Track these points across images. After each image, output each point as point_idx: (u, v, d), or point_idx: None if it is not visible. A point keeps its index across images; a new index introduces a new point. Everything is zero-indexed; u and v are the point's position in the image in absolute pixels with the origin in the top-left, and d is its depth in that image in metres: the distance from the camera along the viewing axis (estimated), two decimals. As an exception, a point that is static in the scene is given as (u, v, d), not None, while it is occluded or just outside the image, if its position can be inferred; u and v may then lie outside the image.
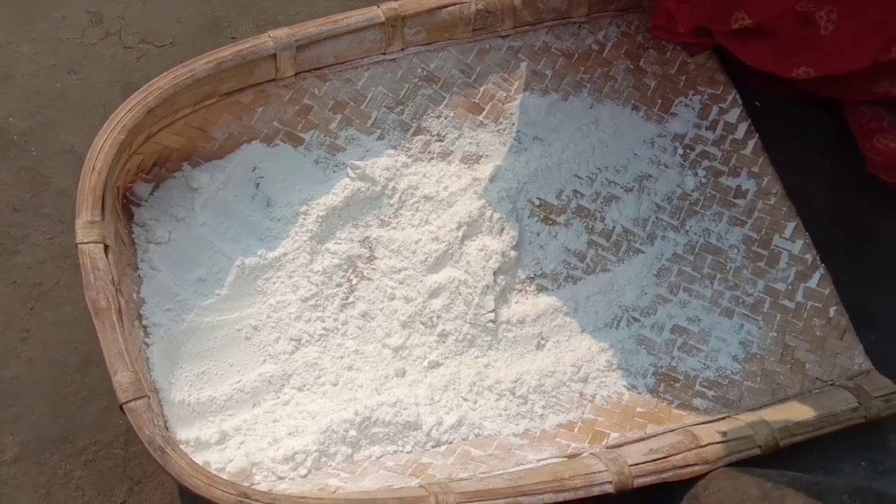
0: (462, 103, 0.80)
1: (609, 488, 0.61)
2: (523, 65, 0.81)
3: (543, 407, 0.70)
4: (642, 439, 0.67)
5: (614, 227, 0.78)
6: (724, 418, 0.69)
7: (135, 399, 0.55)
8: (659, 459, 0.63)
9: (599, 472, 0.62)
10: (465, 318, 0.72)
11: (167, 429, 0.61)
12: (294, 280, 0.72)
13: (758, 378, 0.73)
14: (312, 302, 0.72)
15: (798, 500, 0.60)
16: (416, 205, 0.76)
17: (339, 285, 0.73)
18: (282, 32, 0.72)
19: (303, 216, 0.74)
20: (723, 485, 0.62)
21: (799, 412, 0.69)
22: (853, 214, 0.82)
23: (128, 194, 0.71)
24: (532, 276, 0.76)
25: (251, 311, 0.71)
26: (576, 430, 0.69)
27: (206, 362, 0.69)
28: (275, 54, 0.72)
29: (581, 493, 0.61)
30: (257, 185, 0.75)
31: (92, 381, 0.71)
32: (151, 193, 0.72)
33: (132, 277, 0.67)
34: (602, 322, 0.75)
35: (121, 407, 0.56)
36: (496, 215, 0.75)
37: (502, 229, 0.75)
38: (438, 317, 0.72)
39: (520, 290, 0.75)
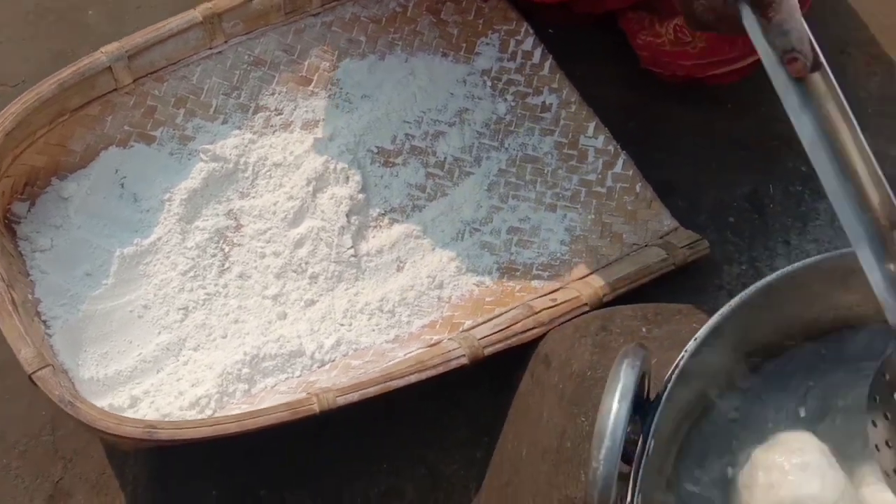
0: (291, 79, 0.91)
1: (464, 360, 0.74)
2: (338, 36, 0.93)
3: (409, 315, 0.82)
4: (490, 320, 0.80)
5: (445, 158, 0.91)
6: (556, 290, 0.82)
7: (40, 368, 0.65)
8: (502, 330, 0.76)
9: (454, 349, 0.74)
10: (329, 258, 0.84)
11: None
12: (172, 259, 0.82)
13: (583, 254, 0.86)
14: (192, 274, 0.82)
15: (633, 321, 0.73)
16: (268, 173, 0.87)
17: (213, 255, 0.83)
18: (112, 47, 0.82)
19: (168, 203, 0.84)
20: (563, 328, 0.75)
21: (619, 271, 0.83)
22: (642, 107, 0.96)
23: (8, 215, 0.80)
24: (382, 212, 0.88)
25: (139, 293, 0.81)
26: (437, 326, 0.81)
27: (107, 343, 0.78)
28: (110, 67, 0.82)
29: (441, 369, 0.73)
30: (122, 184, 0.85)
31: (13, 384, 0.80)
32: (29, 210, 0.82)
33: (24, 283, 0.76)
34: (448, 237, 0.87)
35: (30, 378, 0.65)
36: (340, 166, 0.87)
37: (347, 178, 0.87)
38: (307, 262, 0.83)
39: (374, 226, 0.87)
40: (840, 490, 0.52)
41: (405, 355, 0.77)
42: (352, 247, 0.84)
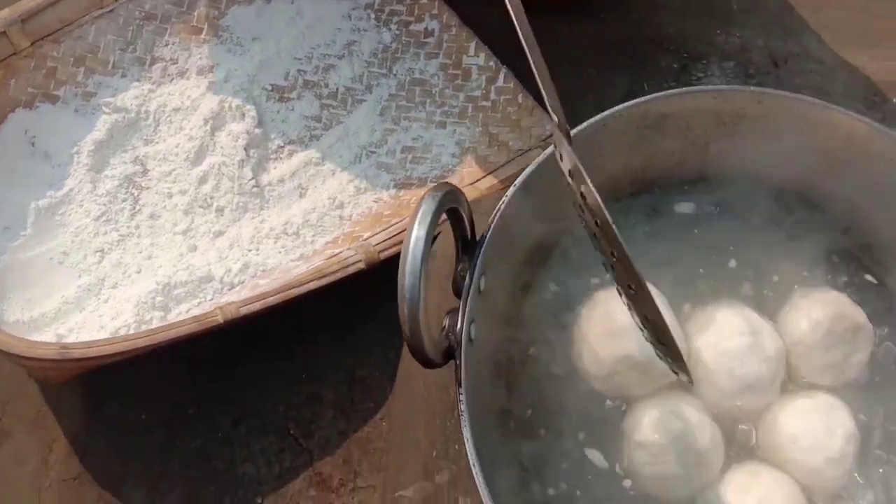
0: (183, 29, 0.96)
1: (361, 265, 0.80)
2: (224, -16, 0.98)
3: (312, 235, 0.88)
4: (386, 229, 0.86)
5: (338, 89, 0.97)
6: (446, 195, 0.89)
7: (-42, 307, 0.70)
8: (396, 235, 0.82)
9: (351, 256, 0.81)
10: (232, 191, 0.89)
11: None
12: (85, 207, 0.88)
13: (473, 163, 0.92)
14: (104, 219, 0.88)
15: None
16: (168, 119, 0.93)
17: (124, 200, 0.89)
18: (4, 13, 0.87)
19: (77, 156, 0.89)
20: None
21: (504, 173, 0.89)
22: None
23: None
24: (281, 144, 0.93)
25: (57, 241, 0.86)
26: (339, 241, 0.87)
27: (31, 290, 0.84)
28: (5, 31, 0.87)
29: (339, 275, 0.79)
30: (32, 143, 0.90)
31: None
32: (-53, 178, 0.87)
33: (-56, 243, 0.82)
34: (346, 162, 0.93)
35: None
36: (235, 104, 0.93)
37: (243, 115, 0.93)
38: (212, 197, 0.89)
39: (274, 158, 0.93)
40: (671, 322, 0.58)
41: (308, 268, 0.83)
42: (253, 178, 0.90)
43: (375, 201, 0.90)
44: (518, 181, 0.55)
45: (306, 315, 0.83)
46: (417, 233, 0.49)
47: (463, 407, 0.50)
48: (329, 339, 0.87)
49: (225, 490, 0.81)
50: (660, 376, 0.60)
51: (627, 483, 0.60)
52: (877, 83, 1.09)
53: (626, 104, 0.60)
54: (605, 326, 0.61)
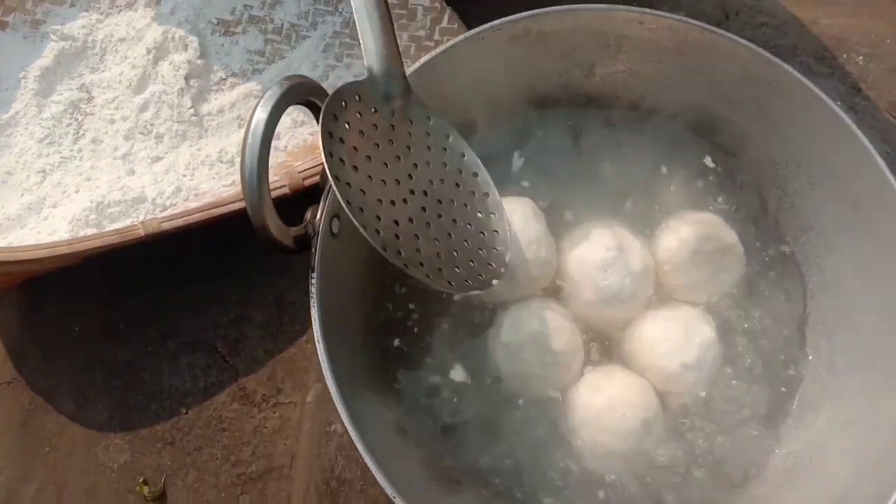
0: (133, -38, 1.00)
1: (286, 190, 0.84)
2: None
3: (246, 163, 0.92)
4: (315, 158, 0.89)
5: (283, 24, 1.00)
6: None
7: None
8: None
9: (276, 181, 0.84)
10: (172, 118, 0.93)
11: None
12: (30, 129, 0.92)
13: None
14: (48, 141, 0.92)
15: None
16: (114, 48, 0.97)
17: (69, 124, 0.93)
18: (-47, -60, 0.91)
19: (24, 80, 0.94)
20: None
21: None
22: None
23: None
24: (223, 77, 0.97)
25: (1, 161, 0.91)
26: (272, 171, 0.91)
27: (-26, 206, 0.89)
28: (-46, -42, 0.91)
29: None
30: (-20, 68, 0.94)
31: None
32: None
33: None
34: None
35: None
36: (178, 35, 0.96)
37: (186, 46, 0.96)
38: (152, 124, 0.93)
39: (215, 90, 0.96)
40: (538, 233, 0.62)
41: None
42: (192, 107, 0.94)
43: (311, 134, 0.94)
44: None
45: (239, 240, 0.87)
46: (259, 115, 0.53)
47: (314, 290, 0.53)
48: (261, 264, 0.91)
49: (152, 400, 0.86)
50: (525, 284, 0.63)
51: (488, 381, 0.64)
52: (828, 39, 1.11)
53: (504, 19, 0.63)
54: None
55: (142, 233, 0.78)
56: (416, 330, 0.67)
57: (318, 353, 0.53)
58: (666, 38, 0.64)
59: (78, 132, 0.93)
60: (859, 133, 0.59)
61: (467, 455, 0.62)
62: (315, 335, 0.53)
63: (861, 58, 1.07)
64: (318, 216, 0.56)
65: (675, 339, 0.62)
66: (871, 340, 0.60)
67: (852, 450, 0.56)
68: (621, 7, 0.63)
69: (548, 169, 0.68)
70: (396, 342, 0.66)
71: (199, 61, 0.96)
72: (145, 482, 0.82)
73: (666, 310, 0.65)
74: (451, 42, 0.61)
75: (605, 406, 0.61)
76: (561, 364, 0.62)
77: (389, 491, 0.49)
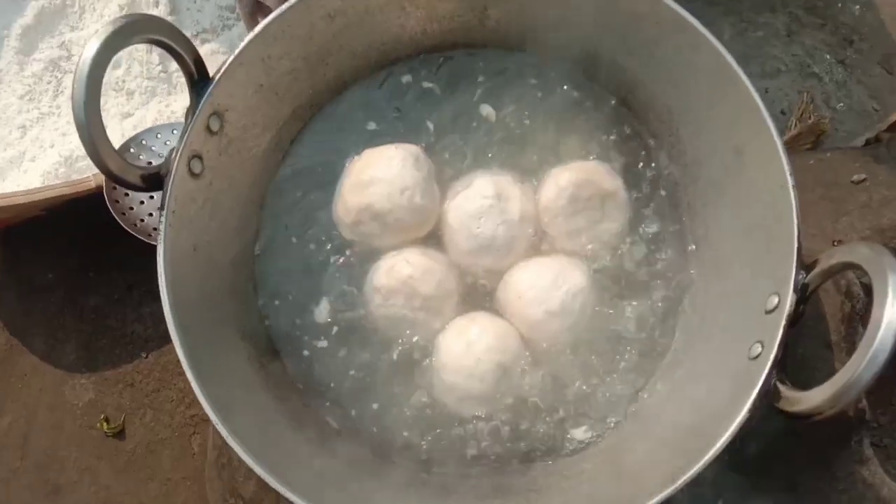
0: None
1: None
2: None
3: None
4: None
5: (254, -19, 1.07)
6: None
7: None
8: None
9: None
10: (142, 75, 1.02)
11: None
12: (12, 87, 1.02)
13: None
14: (28, 97, 1.02)
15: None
16: (92, 6, 1.05)
17: (49, 82, 1.03)
18: None
19: (6, 39, 1.03)
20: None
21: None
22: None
23: None
24: (194, 33, 1.04)
25: (-15, 112, 1.02)
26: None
27: (-42, 158, 1.00)
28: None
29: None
30: (-36, 30, 1.05)
31: None
32: None
33: None
34: (253, 52, 1.03)
35: None
36: (151, -5, 1.04)
37: (157, 3, 1.04)
38: (123, 80, 1.02)
39: (186, 46, 1.04)
40: (414, 180, 0.67)
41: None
42: (160, 64, 1.02)
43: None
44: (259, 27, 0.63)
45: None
46: (86, 53, 0.58)
47: (162, 229, 0.60)
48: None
49: (116, 344, 0.95)
50: (399, 230, 0.69)
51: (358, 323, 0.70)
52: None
53: None
54: (357, 177, 0.70)
55: (93, 184, 0.87)
56: (291, 273, 0.73)
57: (161, 291, 0.60)
58: None
59: (57, 89, 1.03)
60: (742, 74, 0.61)
61: (333, 397, 0.69)
62: (159, 275, 0.61)
63: (858, 6, 1.06)
64: (174, 155, 0.63)
65: (541, 286, 0.66)
66: (739, 295, 0.62)
67: (703, 399, 0.59)
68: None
69: (438, 117, 0.74)
70: (275, 301, 0.73)
71: (169, 17, 1.03)
72: (106, 420, 0.92)
73: (540, 258, 0.69)
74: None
75: (462, 350, 0.66)
76: (431, 309, 0.67)
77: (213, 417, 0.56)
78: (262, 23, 0.64)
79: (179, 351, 0.58)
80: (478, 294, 0.70)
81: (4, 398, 0.94)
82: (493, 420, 0.66)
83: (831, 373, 0.51)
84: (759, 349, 0.57)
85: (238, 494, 0.76)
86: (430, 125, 0.72)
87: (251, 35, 0.64)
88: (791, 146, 0.95)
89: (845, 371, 0.50)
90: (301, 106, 0.73)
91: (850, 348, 0.70)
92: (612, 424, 0.66)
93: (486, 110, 0.74)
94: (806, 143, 0.97)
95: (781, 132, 0.96)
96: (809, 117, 1.00)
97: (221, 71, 0.65)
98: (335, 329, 0.70)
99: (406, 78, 0.75)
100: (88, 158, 0.95)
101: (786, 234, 0.58)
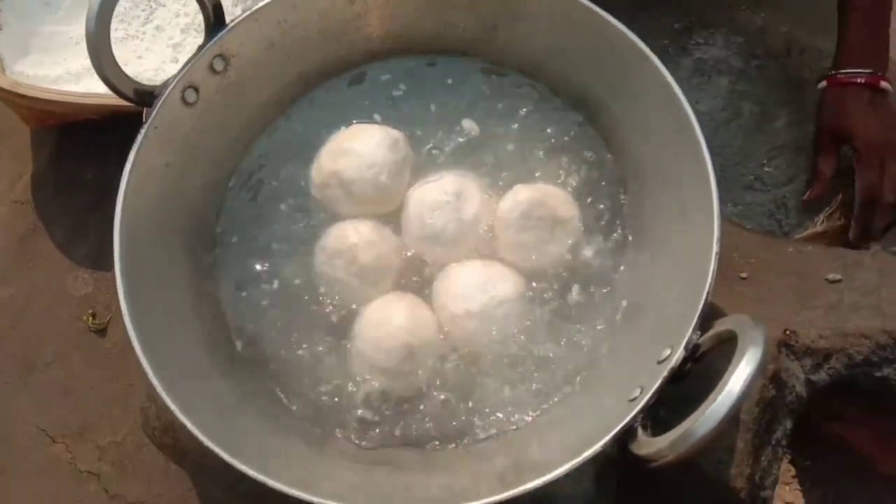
0: None
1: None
2: None
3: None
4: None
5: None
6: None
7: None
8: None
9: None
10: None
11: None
12: (112, 6, 1.14)
13: None
14: (120, 19, 1.13)
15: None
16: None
17: (143, 10, 1.14)
18: None
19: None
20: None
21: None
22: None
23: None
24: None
25: (79, 26, 1.13)
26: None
27: (45, 55, 1.10)
28: None
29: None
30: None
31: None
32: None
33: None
34: None
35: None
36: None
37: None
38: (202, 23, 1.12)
39: None
40: (384, 160, 0.74)
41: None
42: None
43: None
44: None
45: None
46: None
47: (135, 147, 0.69)
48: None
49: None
50: (362, 201, 0.75)
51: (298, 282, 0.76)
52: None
53: None
54: (338, 145, 0.77)
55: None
56: (257, 214, 0.80)
57: (119, 192, 0.68)
58: (559, 12, 0.73)
59: (148, 18, 1.13)
60: (700, 138, 0.65)
61: (253, 333, 0.75)
62: (123, 179, 0.69)
63: None
64: (172, 81, 0.70)
65: (469, 285, 0.71)
66: (646, 342, 0.64)
67: (582, 427, 0.62)
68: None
69: (429, 114, 0.80)
70: (232, 237, 0.79)
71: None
72: (93, 315, 1.01)
73: (482, 261, 0.73)
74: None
75: (378, 321, 0.71)
76: (367, 279, 0.72)
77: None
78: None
79: (117, 251, 0.66)
80: (421, 280, 0.75)
81: (15, 272, 1.05)
82: (393, 396, 0.71)
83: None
84: (637, 393, 0.60)
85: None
86: (422, 119, 0.78)
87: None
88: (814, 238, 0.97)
89: (683, 424, 0.52)
90: (308, 72, 0.80)
91: (754, 430, 0.72)
92: (513, 430, 0.70)
93: (471, 117, 0.80)
94: (825, 240, 0.98)
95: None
96: (840, 218, 1.00)
97: (236, 21, 0.74)
98: (277, 277, 0.76)
99: (412, 71, 0.82)
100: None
101: (698, 294, 0.61)
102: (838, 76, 0.95)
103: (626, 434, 0.58)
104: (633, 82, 0.69)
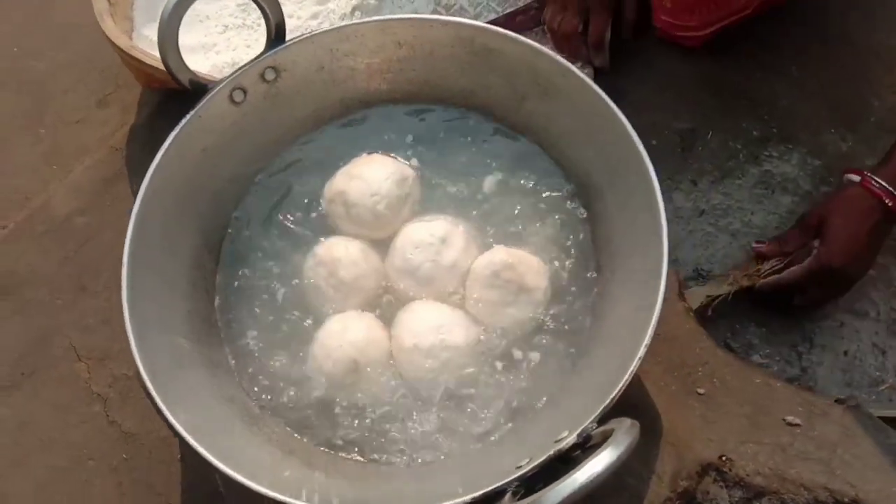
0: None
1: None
2: None
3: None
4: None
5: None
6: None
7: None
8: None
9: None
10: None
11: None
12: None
13: None
14: (242, 9, 1.24)
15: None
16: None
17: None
18: None
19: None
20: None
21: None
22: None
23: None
24: None
25: (207, 7, 1.26)
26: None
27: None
28: None
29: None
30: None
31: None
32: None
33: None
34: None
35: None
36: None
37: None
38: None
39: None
40: (388, 192, 0.82)
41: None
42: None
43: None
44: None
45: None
46: None
47: (182, 123, 0.80)
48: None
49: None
50: (359, 224, 0.84)
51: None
52: None
53: (458, 19, 0.83)
54: (353, 168, 0.86)
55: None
56: (272, 209, 0.89)
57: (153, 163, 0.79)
58: (580, 99, 0.79)
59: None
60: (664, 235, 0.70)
61: (238, 318, 0.84)
62: (154, 161, 0.80)
63: None
64: (224, 80, 0.81)
65: (425, 322, 0.77)
66: (558, 421, 0.68)
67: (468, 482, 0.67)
68: (551, 54, 0.79)
69: (447, 161, 0.88)
70: (244, 228, 0.88)
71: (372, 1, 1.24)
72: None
73: (446, 305, 0.80)
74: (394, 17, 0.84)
75: (335, 331, 0.79)
76: (341, 292, 0.81)
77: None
78: (342, 23, 0.83)
79: (136, 208, 0.77)
80: (391, 308, 0.83)
81: (93, 206, 1.18)
82: (333, 403, 0.78)
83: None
84: (525, 462, 0.64)
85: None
86: (441, 164, 0.86)
87: (327, 27, 0.81)
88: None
89: (529, 498, 0.58)
90: (349, 99, 0.90)
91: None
92: (418, 462, 0.76)
93: (490, 179, 0.87)
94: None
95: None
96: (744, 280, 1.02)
97: (293, 40, 0.84)
98: (272, 270, 0.86)
99: (439, 118, 0.90)
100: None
101: (612, 388, 0.65)
102: (873, 182, 0.92)
103: (498, 494, 0.63)
104: (630, 179, 0.74)
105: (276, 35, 0.82)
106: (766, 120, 1.18)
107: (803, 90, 1.20)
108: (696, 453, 0.80)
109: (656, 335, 0.82)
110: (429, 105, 0.89)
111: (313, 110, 0.89)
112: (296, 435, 0.78)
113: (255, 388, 0.81)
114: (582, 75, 0.76)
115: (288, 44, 0.83)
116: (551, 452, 0.63)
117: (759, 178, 1.16)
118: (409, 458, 0.76)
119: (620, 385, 0.65)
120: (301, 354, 0.81)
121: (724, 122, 1.18)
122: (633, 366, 0.65)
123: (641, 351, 0.65)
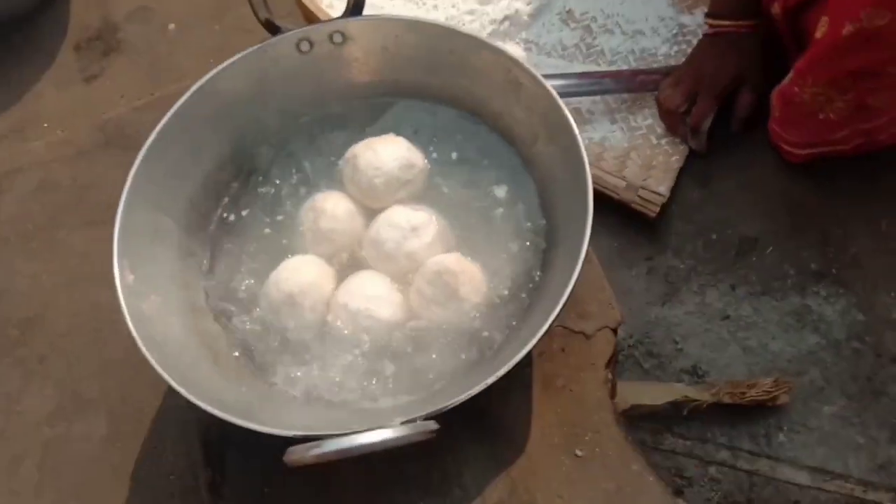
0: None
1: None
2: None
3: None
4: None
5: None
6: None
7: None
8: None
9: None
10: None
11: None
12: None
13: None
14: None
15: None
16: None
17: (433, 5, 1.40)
18: None
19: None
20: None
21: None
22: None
23: None
24: None
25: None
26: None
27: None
28: None
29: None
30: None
31: None
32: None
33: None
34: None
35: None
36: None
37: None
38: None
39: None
40: (391, 169, 0.93)
41: None
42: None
43: None
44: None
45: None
46: None
47: (244, 52, 0.95)
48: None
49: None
50: (358, 189, 0.95)
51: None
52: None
53: (505, 48, 0.92)
54: (373, 141, 0.96)
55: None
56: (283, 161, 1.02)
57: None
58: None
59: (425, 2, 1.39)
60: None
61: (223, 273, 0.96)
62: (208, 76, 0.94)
63: None
64: (297, 28, 0.95)
65: (363, 288, 0.88)
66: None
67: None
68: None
69: (463, 168, 0.97)
70: (257, 173, 1.01)
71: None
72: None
73: (391, 280, 0.90)
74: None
75: (290, 265, 0.91)
76: (315, 239, 0.93)
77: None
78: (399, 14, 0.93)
79: (157, 129, 0.89)
80: (350, 266, 0.93)
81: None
82: (273, 331, 0.90)
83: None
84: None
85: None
86: (449, 166, 0.98)
87: (396, 16, 0.92)
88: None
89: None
90: (401, 82, 1.00)
91: None
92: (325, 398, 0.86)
93: (500, 189, 0.95)
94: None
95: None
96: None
97: (362, 20, 0.96)
98: (281, 204, 0.98)
99: (468, 129, 0.99)
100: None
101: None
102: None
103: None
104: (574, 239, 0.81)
105: (355, 6, 0.94)
106: (830, 259, 1.18)
107: (880, 246, 1.18)
108: (532, 499, 0.84)
109: (569, 390, 0.88)
110: (466, 113, 0.99)
111: (364, 84, 1.00)
112: (223, 331, 0.90)
113: (213, 283, 0.94)
114: (577, 135, 0.83)
115: (362, 18, 0.95)
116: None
117: (797, 308, 1.16)
118: (307, 390, 0.87)
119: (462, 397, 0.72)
120: (265, 278, 0.92)
121: (788, 243, 1.20)
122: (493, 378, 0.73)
123: (502, 371, 0.73)
